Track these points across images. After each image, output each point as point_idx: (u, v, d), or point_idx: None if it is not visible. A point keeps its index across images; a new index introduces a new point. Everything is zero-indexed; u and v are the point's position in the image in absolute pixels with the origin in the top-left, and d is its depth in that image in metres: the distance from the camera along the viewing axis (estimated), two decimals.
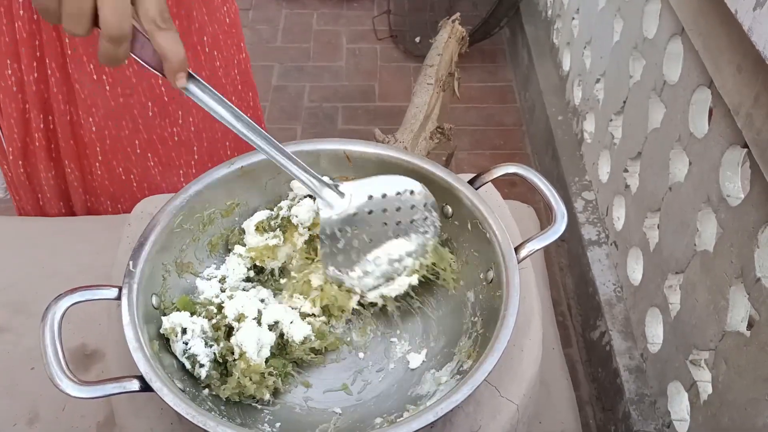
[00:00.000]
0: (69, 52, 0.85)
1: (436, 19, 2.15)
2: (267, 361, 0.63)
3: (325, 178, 0.65)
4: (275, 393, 0.64)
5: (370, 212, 0.67)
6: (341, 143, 0.74)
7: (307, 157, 0.73)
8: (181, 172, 0.99)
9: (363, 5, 2.88)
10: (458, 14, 1.75)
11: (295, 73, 2.54)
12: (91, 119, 0.90)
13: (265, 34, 2.69)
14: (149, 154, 0.96)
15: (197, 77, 0.57)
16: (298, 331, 0.65)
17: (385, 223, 0.67)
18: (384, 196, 0.67)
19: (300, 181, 0.64)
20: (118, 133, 0.92)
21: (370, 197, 0.67)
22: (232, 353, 0.62)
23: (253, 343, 0.62)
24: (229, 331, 0.64)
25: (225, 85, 0.99)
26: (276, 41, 2.68)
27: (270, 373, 0.63)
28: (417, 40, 2.61)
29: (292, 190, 0.75)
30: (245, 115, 0.60)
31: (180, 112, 0.95)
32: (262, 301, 0.67)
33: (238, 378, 0.61)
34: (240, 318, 0.64)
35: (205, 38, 0.93)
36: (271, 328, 0.65)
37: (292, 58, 2.60)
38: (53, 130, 0.92)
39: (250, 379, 0.61)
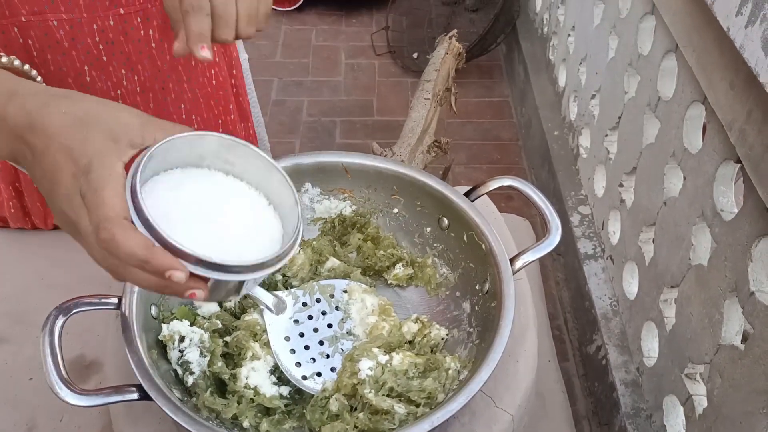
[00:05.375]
0: None
1: (434, 35, 2.17)
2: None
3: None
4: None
5: (310, 317, 0.68)
6: (339, 156, 0.75)
7: (307, 169, 0.75)
8: None
9: (362, 22, 2.91)
10: (455, 31, 1.77)
11: (294, 88, 2.56)
12: None
13: (265, 50, 2.71)
14: None
15: None
16: None
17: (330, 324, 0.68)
18: (318, 300, 0.68)
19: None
20: None
21: (305, 304, 0.68)
22: (235, 378, 0.63)
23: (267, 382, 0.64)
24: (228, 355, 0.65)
25: None
26: (275, 56, 2.70)
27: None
28: (415, 55, 2.64)
29: (299, 190, 0.76)
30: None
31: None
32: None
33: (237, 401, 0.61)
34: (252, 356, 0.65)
35: (182, 106, 0.92)
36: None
37: (291, 72, 2.63)
38: None
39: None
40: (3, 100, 0.49)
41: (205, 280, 0.47)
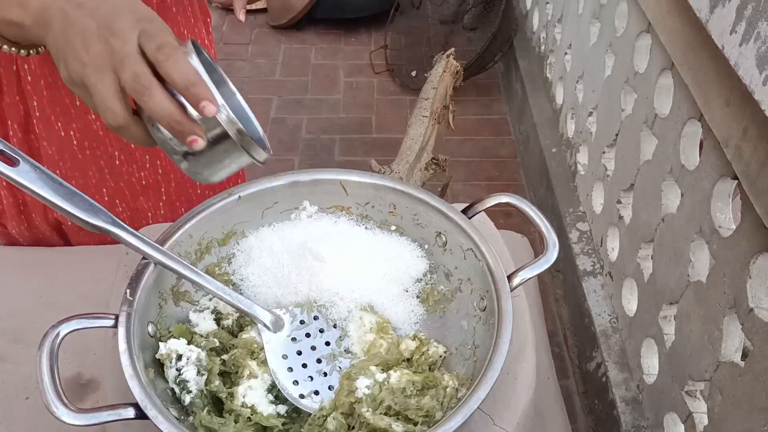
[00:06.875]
0: (37, 114, 0.86)
1: (432, 53, 2.19)
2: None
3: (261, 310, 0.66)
4: None
5: (307, 335, 0.67)
6: (337, 173, 0.75)
7: (305, 186, 0.75)
8: (149, 215, 1.00)
9: (360, 40, 2.93)
10: (453, 49, 1.78)
11: (294, 106, 2.57)
12: (57, 172, 0.90)
13: (264, 68, 2.73)
14: (117, 201, 0.97)
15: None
16: None
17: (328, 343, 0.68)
18: (316, 318, 0.68)
19: (240, 309, 0.65)
20: (85, 182, 0.93)
21: (302, 322, 0.68)
22: (232, 396, 0.62)
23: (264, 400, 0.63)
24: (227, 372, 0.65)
25: None
26: (275, 75, 2.71)
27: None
28: (413, 73, 2.65)
29: (297, 208, 0.76)
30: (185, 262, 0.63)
31: (147, 157, 0.95)
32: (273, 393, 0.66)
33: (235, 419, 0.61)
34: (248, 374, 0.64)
35: None
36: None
37: (290, 91, 2.64)
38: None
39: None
40: None
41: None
